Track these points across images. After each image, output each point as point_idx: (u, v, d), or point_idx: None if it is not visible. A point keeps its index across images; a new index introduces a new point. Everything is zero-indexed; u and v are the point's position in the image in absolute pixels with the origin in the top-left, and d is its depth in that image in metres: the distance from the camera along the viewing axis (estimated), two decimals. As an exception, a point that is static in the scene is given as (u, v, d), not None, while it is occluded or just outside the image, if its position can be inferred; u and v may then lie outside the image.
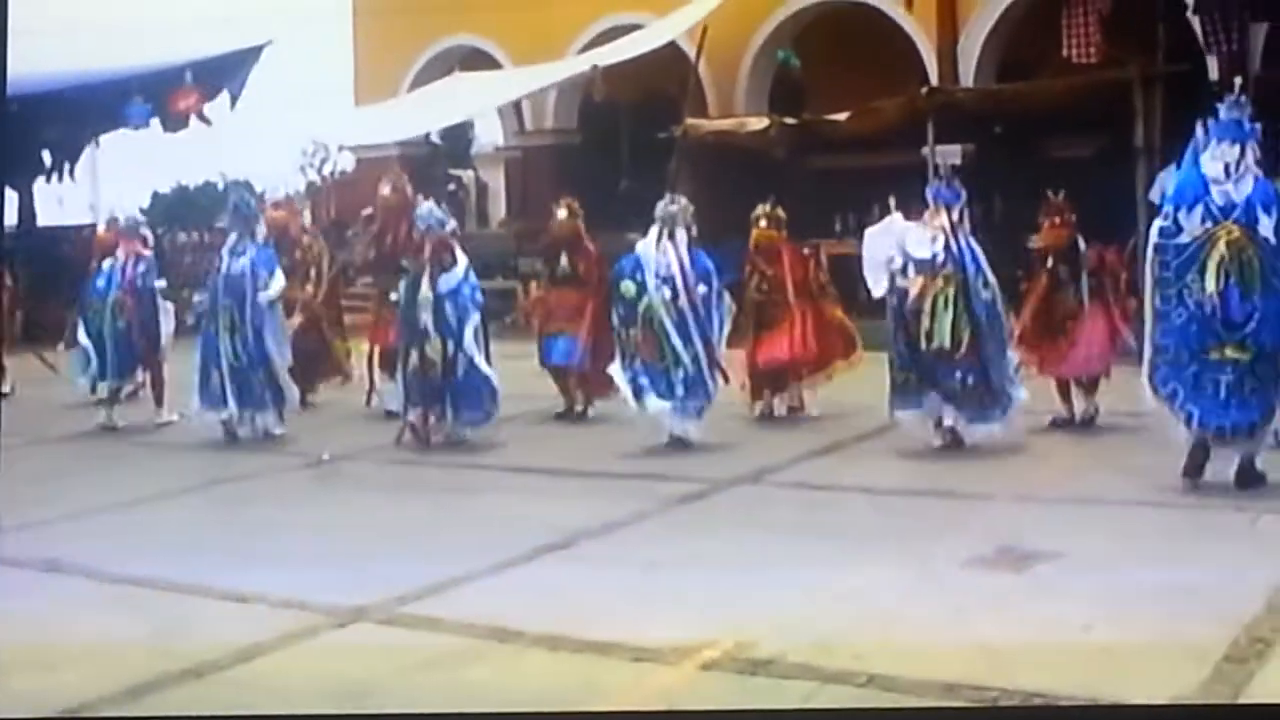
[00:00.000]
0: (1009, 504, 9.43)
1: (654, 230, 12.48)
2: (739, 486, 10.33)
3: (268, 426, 13.05)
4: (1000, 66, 21.82)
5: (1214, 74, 18.71)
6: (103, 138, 23.77)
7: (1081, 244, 12.43)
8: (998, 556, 7.90)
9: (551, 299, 14.24)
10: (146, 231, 14.98)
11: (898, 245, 11.77)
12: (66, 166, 23.87)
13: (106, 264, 14.61)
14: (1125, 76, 19.04)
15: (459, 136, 30.71)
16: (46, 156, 23.81)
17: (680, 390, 12.06)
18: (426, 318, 12.39)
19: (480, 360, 12.47)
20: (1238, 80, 10.61)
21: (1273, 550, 7.72)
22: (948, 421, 11.47)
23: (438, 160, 28.47)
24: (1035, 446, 11.63)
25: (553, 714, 5.92)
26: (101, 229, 16.80)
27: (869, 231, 12.51)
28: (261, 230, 13.53)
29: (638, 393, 12.08)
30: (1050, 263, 12.50)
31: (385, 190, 14.99)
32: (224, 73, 22.28)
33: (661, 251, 12.32)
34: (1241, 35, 18.47)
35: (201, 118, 22.10)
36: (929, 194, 12.00)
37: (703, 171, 21.16)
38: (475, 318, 12.56)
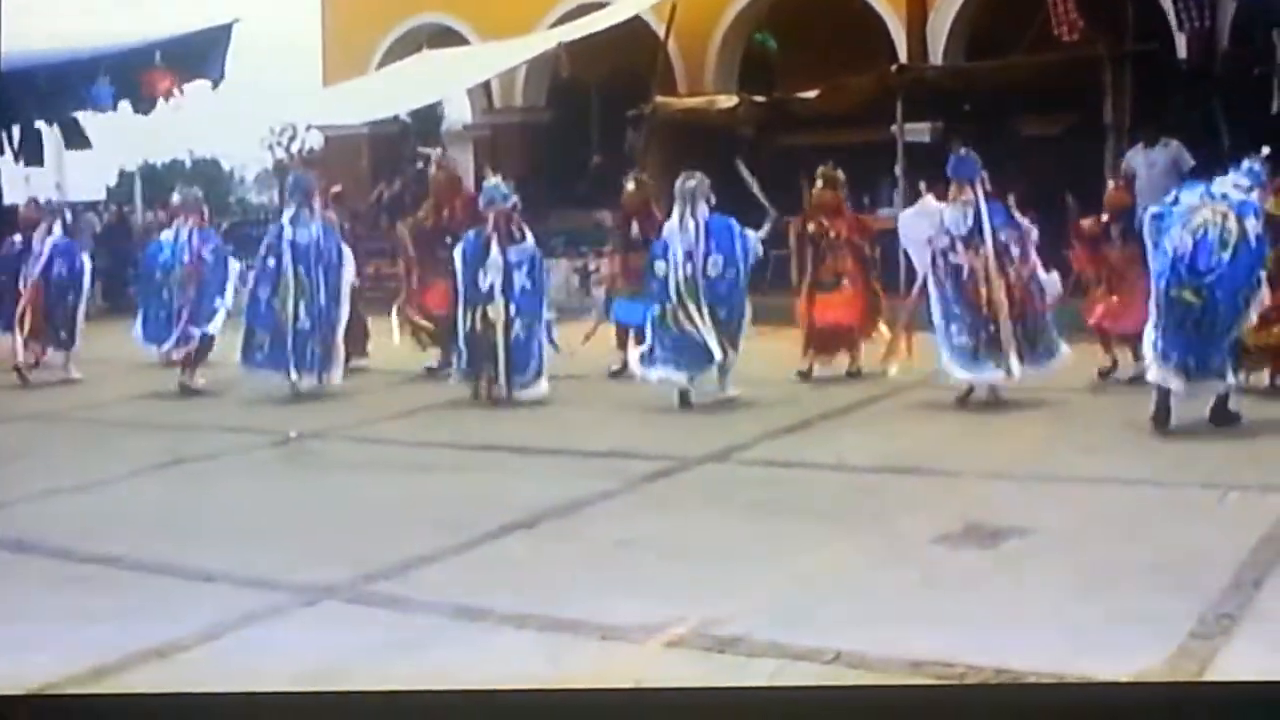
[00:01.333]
0: (978, 480, 9.42)
1: (676, 208, 12.93)
2: (707, 464, 10.31)
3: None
4: (969, 44, 21.84)
5: (1183, 52, 18.77)
6: (69, 117, 23.59)
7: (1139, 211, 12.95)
8: (966, 533, 7.91)
9: (622, 264, 14.94)
10: (204, 206, 15.53)
11: (938, 225, 12.34)
12: (23, 146, 23.65)
13: (167, 236, 15.04)
14: (1095, 55, 19.05)
15: (428, 114, 30.65)
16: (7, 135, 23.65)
17: (709, 357, 12.61)
18: (494, 279, 13.17)
19: (542, 325, 13.40)
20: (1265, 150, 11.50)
21: (1239, 527, 7.72)
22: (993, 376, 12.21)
23: (407, 138, 28.45)
24: (1006, 421, 11.69)
25: (520, 691, 5.91)
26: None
27: (903, 215, 13.03)
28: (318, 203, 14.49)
29: (664, 365, 12.77)
30: (1106, 219, 13.34)
31: (434, 171, 16.49)
32: (195, 54, 22.13)
33: (684, 229, 12.74)
34: (1211, 13, 18.52)
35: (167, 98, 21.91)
36: (949, 171, 12.56)
37: (672, 149, 21.15)
38: (547, 285, 13.79)
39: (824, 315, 14.20)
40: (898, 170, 19.38)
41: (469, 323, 13.29)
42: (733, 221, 12.96)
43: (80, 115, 23.09)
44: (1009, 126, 20.38)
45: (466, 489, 9.76)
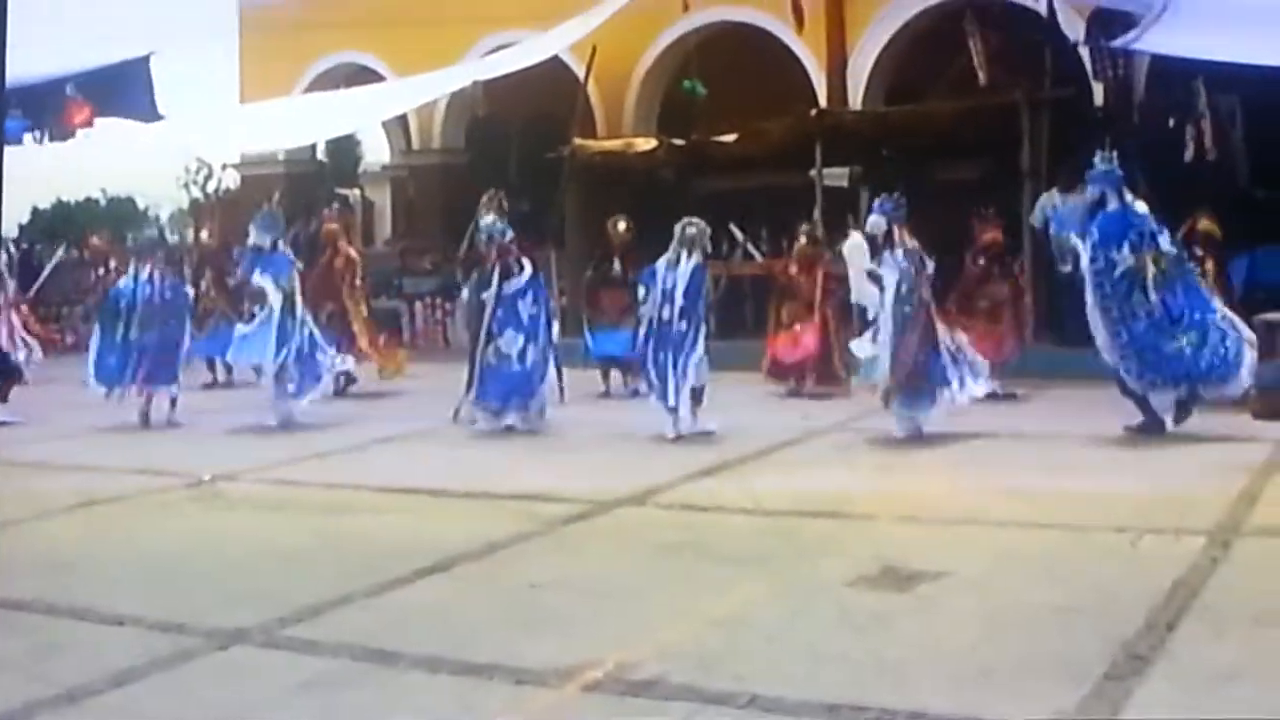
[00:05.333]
0: (893, 523, 9.43)
1: (673, 247, 13.53)
2: (622, 508, 10.28)
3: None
4: (889, 90, 21.99)
5: (1099, 100, 18.96)
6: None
7: None
8: (882, 576, 7.91)
9: (603, 298, 16.36)
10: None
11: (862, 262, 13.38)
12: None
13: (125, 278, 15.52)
14: (1013, 101, 19.19)
15: (345, 154, 30.50)
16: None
17: (670, 385, 13.24)
18: (499, 312, 13.87)
19: (548, 352, 14.07)
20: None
21: (1153, 569, 7.76)
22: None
23: (324, 178, 28.30)
24: (920, 463, 11.75)
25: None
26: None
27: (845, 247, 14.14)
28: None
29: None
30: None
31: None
32: (113, 87, 21.82)
33: (670, 268, 13.40)
34: (1127, 63, 18.73)
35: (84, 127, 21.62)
36: (874, 210, 13.22)
37: (590, 192, 21.18)
38: (546, 313, 14.27)
39: (785, 352, 15.99)
40: (816, 214, 19.45)
41: (478, 351, 13.96)
42: (704, 274, 13.63)
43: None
44: (926, 171, 20.52)
45: (380, 531, 9.70)
